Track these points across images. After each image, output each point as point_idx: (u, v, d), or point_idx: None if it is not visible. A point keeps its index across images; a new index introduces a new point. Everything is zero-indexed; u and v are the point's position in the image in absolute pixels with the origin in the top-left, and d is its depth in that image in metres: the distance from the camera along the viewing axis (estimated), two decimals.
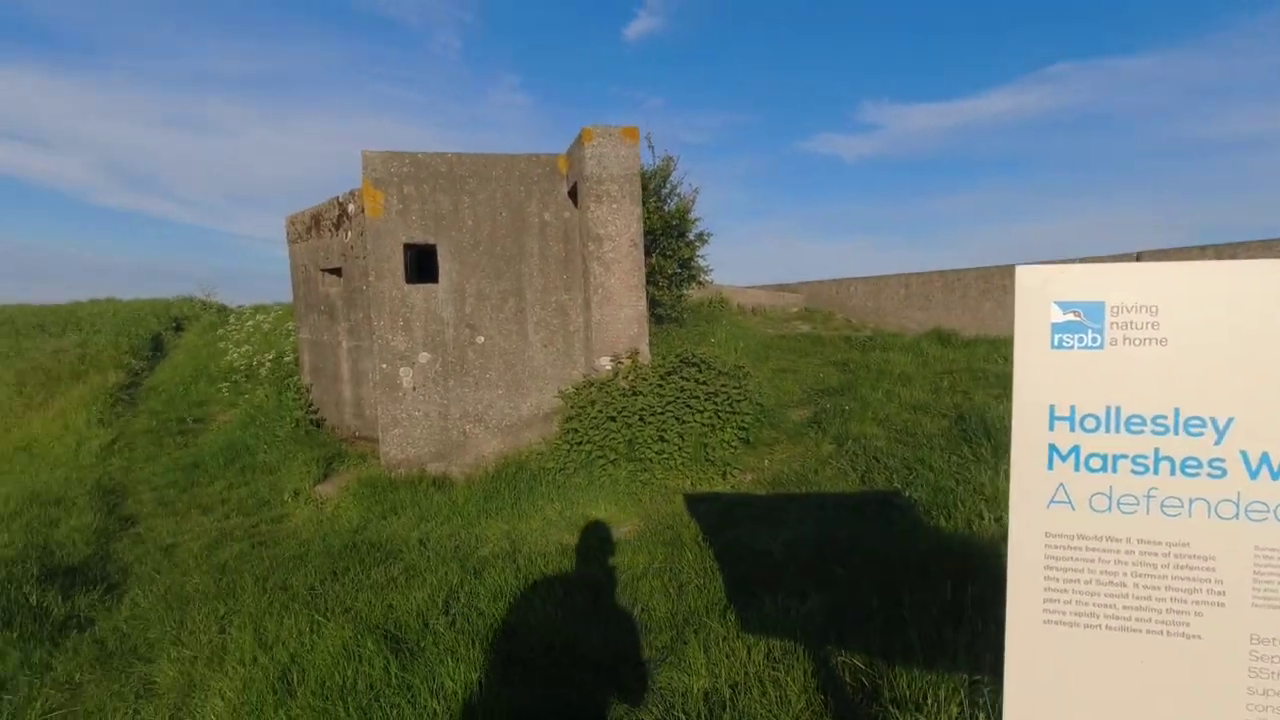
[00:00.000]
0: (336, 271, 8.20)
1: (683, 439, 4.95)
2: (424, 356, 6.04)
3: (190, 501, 6.32)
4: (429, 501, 5.36)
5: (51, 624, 3.66)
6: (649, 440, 4.87)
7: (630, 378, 5.46)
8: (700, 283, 7.37)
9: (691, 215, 6.89)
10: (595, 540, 4.31)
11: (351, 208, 7.45)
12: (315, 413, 8.50)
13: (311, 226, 8.31)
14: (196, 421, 9.01)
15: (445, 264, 6.07)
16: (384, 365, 5.95)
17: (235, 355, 9.79)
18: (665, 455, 4.87)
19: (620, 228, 5.51)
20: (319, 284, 8.27)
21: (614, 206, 5.49)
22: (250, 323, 11.16)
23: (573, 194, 6.30)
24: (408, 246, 6.01)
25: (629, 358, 5.55)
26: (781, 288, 14.77)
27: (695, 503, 4.59)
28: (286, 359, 9.30)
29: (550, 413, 6.39)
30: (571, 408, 5.42)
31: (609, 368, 5.54)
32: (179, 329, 14.51)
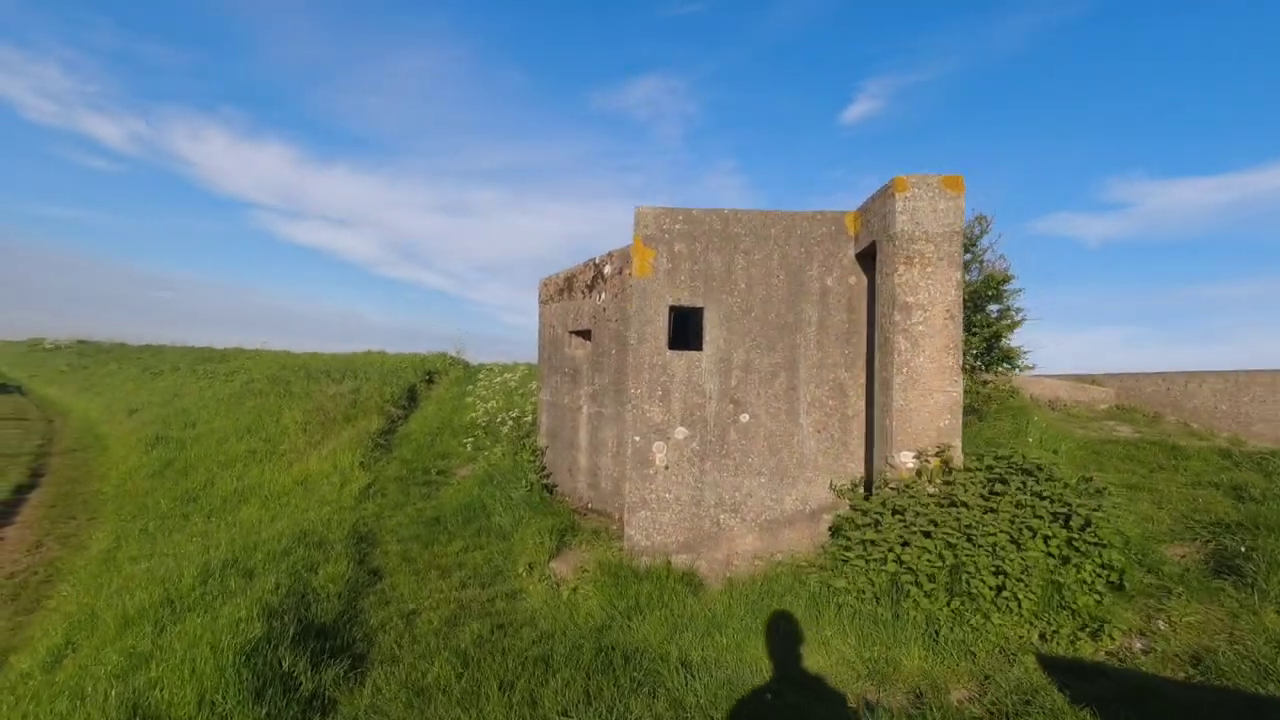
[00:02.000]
0: (585, 334, 8.01)
1: (1026, 573, 3.65)
2: (681, 432, 5.37)
3: (430, 560, 6.15)
4: (680, 604, 4.55)
5: (299, 701, 3.32)
6: (982, 569, 3.64)
7: (941, 481, 4.29)
8: (1004, 369, 5.96)
9: (1009, 288, 5.60)
10: (917, 704, 3.15)
11: (608, 269, 7.21)
12: (548, 477, 8.25)
13: (564, 289, 8.27)
14: (440, 474, 9.23)
15: (712, 330, 5.43)
16: (636, 438, 5.37)
17: (480, 411, 10.06)
18: (1005, 593, 3.60)
19: (934, 296, 4.48)
20: (565, 345, 8.14)
21: (928, 270, 4.49)
22: (498, 380, 11.60)
23: (861, 256, 5.41)
24: (673, 310, 5.48)
25: (936, 455, 4.40)
26: (1081, 378, 12.32)
27: (1060, 672, 3.26)
28: (526, 419, 9.30)
29: (817, 510, 5.36)
30: (861, 513, 4.35)
31: (911, 466, 4.43)
32: (430, 381, 15.74)
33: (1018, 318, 5.69)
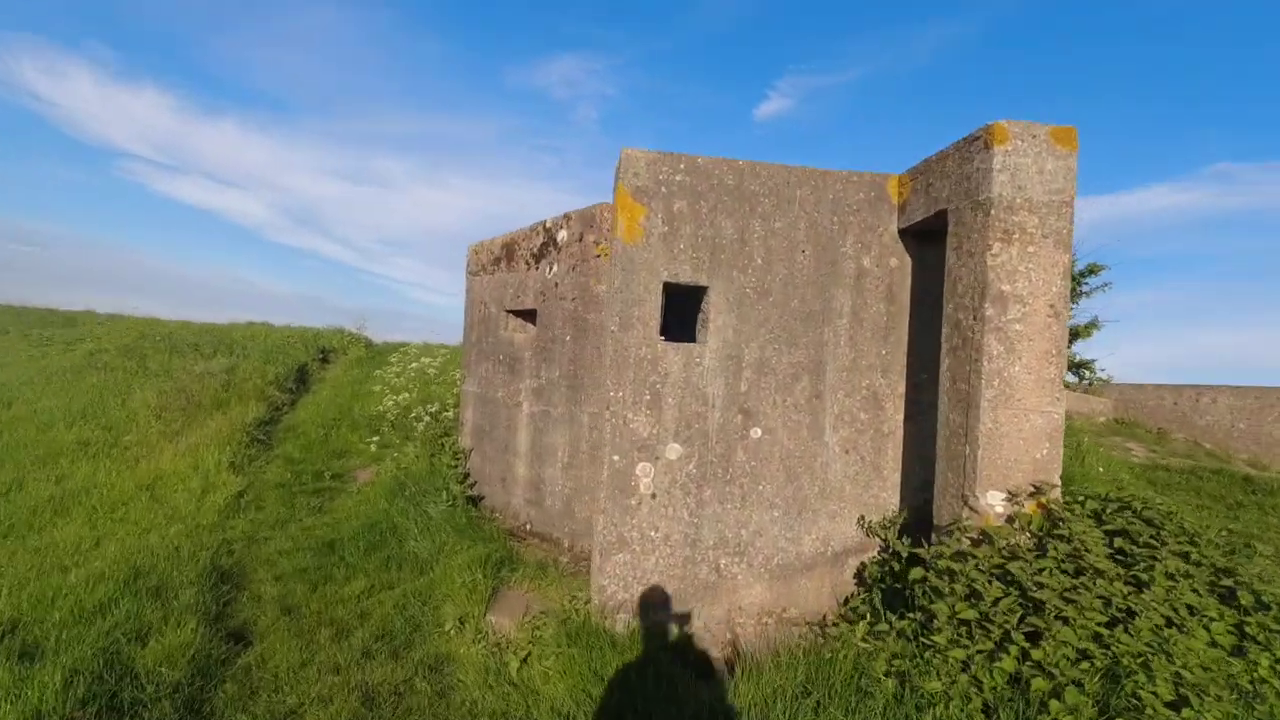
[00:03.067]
0: (528, 315, 6.54)
1: (1209, 677, 2.61)
2: (675, 449, 4.07)
3: (321, 610, 4.57)
4: (693, 703, 3.25)
5: None
6: (1157, 676, 2.56)
7: (1043, 533, 3.21)
8: (1071, 383, 5.00)
9: (1094, 282, 4.56)
10: None
11: (563, 235, 5.77)
12: (473, 487, 6.75)
13: (502, 258, 6.75)
14: (335, 479, 7.50)
15: (718, 317, 4.14)
16: (615, 457, 4.02)
17: (389, 403, 8.35)
18: (1189, 711, 2.54)
19: (1036, 285, 3.38)
20: (501, 327, 6.64)
21: (1029, 251, 3.38)
22: (414, 365, 9.78)
23: (906, 234, 4.26)
24: (669, 288, 4.14)
25: (1033, 496, 3.32)
26: (1073, 387, 11.69)
27: None
28: (447, 414, 7.72)
29: (841, 552, 4.21)
30: (942, 575, 3.21)
31: (1001, 510, 3.32)
32: (325, 360, 13.64)
33: (1092, 319, 4.73)
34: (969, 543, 3.30)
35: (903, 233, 4.28)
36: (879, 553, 4.19)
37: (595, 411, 5.30)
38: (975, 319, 3.43)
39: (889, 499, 4.25)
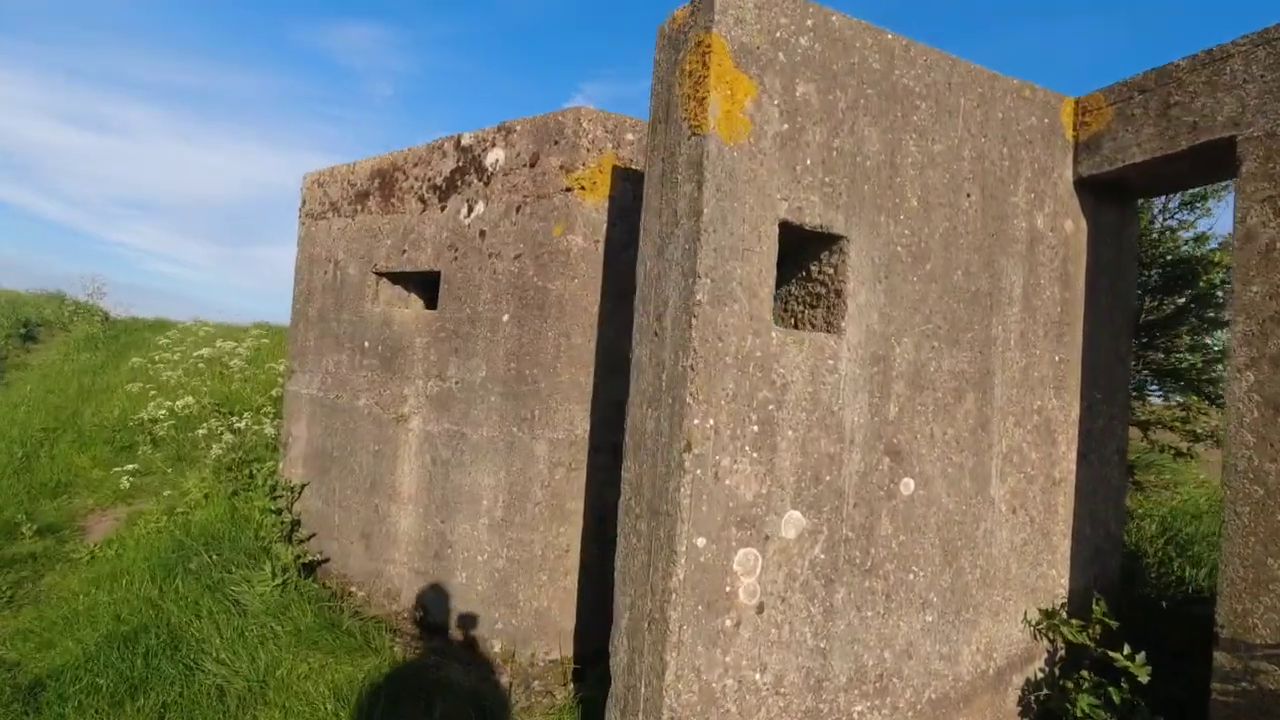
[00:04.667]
0: (422, 281, 4.31)
1: None
2: (794, 522, 2.28)
3: None
4: None
5: None
6: None
7: None
8: (1189, 402, 3.97)
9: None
10: None
11: (496, 157, 3.70)
12: (308, 540, 4.36)
13: (369, 193, 4.41)
14: (47, 534, 4.52)
15: (861, 292, 2.42)
16: (700, 540, 2.13)
17: (163, 410, 5.33)
18: None
19: None
20: (366, 299, 4.32)
21: None
22: (199, 352, 6.36)
23: (1084, 186, 2.89)
24: (785, 229, 2.33)
25: None
26: None
27: None
28: (262, 429, 5.03)
29: (1005, 667, 2.72)
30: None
31: None
32: (31, 338, 9.52)
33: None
34: None
35: (1080, 184, 2.90)
36: (1046, 664, 2.77)
37: (560, 438, 3.31)
38: None
39: (1058, 578, 2.85)
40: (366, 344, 4.25)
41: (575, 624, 3.35)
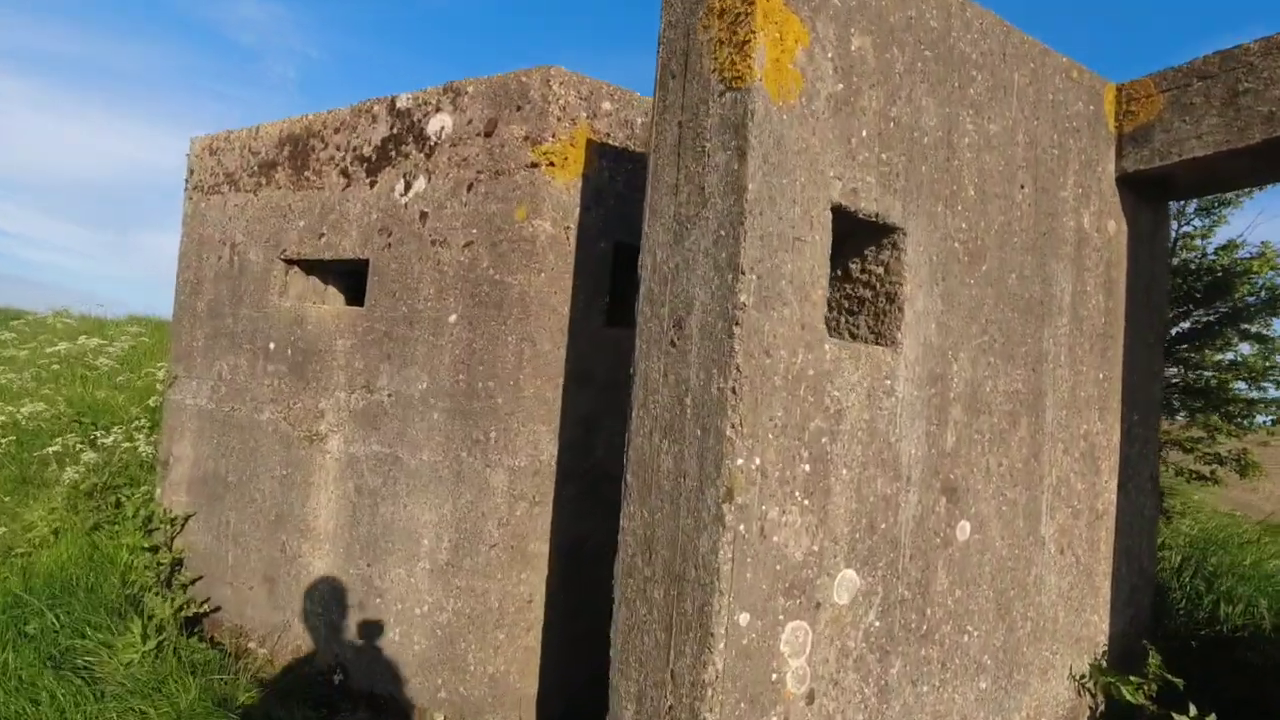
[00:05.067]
0: (341, 271, 3.62)
1: None
2: (848, 584, 1.81)
3: None
4: None
5: None
6: None
7: None
8: (1235, 427, 3.59)
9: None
10: None
11: (441, 123, 3.09)
12: (195, 584, 3.59)
13: (277, 164, 3.68)
14: None
15: (919, 296, 1.99)
16: (744, 617, 1.63)
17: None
18: None
19: None
20: (271, 290, 3.59)
21: None
22: (59, 347, 5.05)
23: (1128, 182, 2.59)
24: (836, 215, 1.86)
25: None
26: None
27: None
28: (136, 446, 4.10)
29: None
30: None
31: None
32: None
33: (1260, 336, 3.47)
34: None
35: (1122, 180, 2.60)
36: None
37: (522, 465, 2.73)
38: None
39: (1099, 624, 2.53)
40: (272, 346, 3.51)
41: (538, 689, 2.77)
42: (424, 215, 3.04)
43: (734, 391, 1.64)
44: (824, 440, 1.77)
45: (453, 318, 2.90)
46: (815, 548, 1.75)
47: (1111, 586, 2.56)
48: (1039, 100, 2.34)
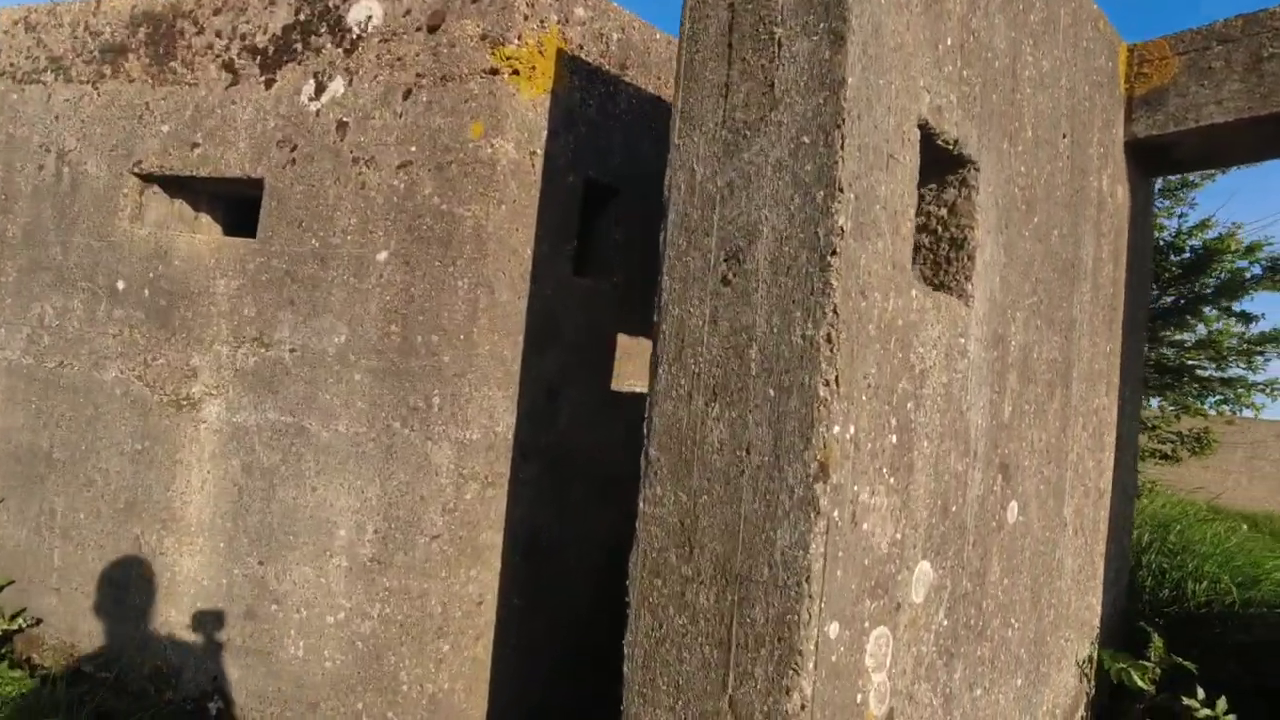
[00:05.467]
0: (219, 194, 2.89)
1: None
2: (924, 576, 1.51)
3: None
4: None
5: None
6: None
7: None
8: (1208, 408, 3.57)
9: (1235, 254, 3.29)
10: None
11: (365, 13, 2.52)
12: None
13: (129, 49, 2.87)
14: None
15: (988, 239, 1.71)
16: (833, 627, 1.28)
17: None
18: None
19: None
20: (119, 215, 2.81)
21: None
22: None
23: (1136, 148, 2.49)
24: (931, 140, 1.53)
25: None
26: None
27: None
28: None
29: None
30: None
31: None
32: None
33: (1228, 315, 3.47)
34: None
35: (1130, 146, 2.50)
36: (1090, 711, 2.35)
37: (474, 439, 2.22)
38: None
39: (1095, 606, 2.44)
40: (121, 285, 2.72)
41: (489, 707, 2.30)
42: (343, 126, 2.43)
43: (828, 340, 1.27)
44: (909, 406, 1.46)
45: (382, 255, 2.32)
46: (899, 536, 1.44)
47: (1105, 566, 2.48)
48: (1076, 45, 2.15)
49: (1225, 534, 3.43)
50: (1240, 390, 3.55)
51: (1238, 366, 3.48)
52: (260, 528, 2.42)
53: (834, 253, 1.28)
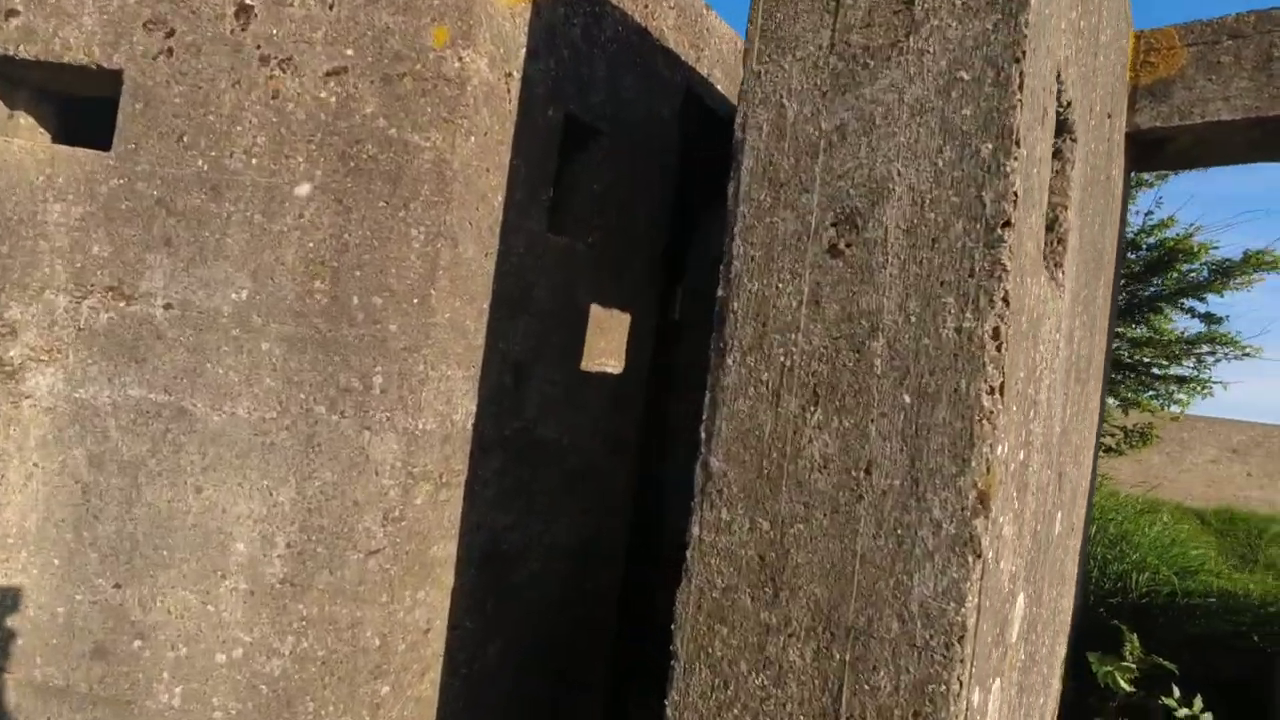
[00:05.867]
0: (48, 90, 2.14)
1: None
2: (1019, 612, 1.30)
3: None
4: None
5: None
6: None
7: None
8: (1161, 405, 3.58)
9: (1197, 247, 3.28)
10: None
11: None
12: None
13: None
14: None
15: (1076, 217, 1.50)
16: (976, 695, 1.02)
17: None
18: None
19: None
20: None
21: None
22: None
23: (1136, 138, 2.42)
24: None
25: None
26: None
27: None
28: None
29: None
30: None
31: None
32: None
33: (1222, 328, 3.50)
34: None
35: (1129, 136, 2.42)
36: (1069, 713, 2.33)
37: (428, 429, 1.77)
38: None
39: (1069, 605, 2.40)
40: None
41: None
42: (245, 11, 1.82)
43: (994, 336, 0.99)
44: (1030, 414, 1.22)
45: (304, 189, 1.77)
46: (1012, 569, 1.21)
47: (1080, 565, 2.46)
48: (1120, 17, 2.00)
49: (1163, 528, 3.63)
50: (1193, 385, 3.82)
51: (1182, 365, 3.75)
52: (116, 540, 1.82)
53: (1007, 224, 0.99)
